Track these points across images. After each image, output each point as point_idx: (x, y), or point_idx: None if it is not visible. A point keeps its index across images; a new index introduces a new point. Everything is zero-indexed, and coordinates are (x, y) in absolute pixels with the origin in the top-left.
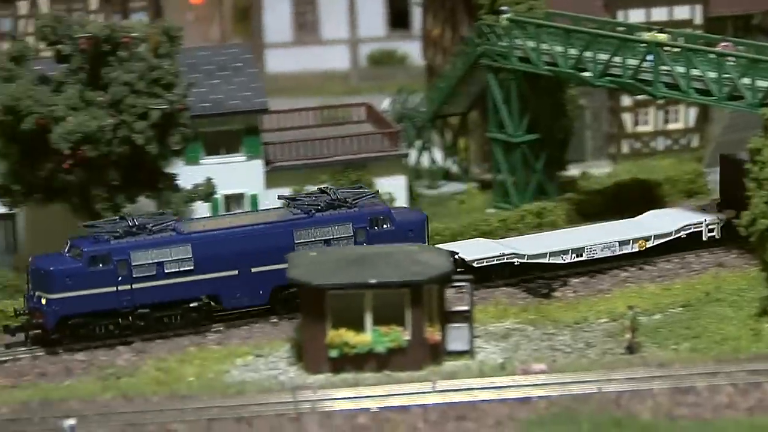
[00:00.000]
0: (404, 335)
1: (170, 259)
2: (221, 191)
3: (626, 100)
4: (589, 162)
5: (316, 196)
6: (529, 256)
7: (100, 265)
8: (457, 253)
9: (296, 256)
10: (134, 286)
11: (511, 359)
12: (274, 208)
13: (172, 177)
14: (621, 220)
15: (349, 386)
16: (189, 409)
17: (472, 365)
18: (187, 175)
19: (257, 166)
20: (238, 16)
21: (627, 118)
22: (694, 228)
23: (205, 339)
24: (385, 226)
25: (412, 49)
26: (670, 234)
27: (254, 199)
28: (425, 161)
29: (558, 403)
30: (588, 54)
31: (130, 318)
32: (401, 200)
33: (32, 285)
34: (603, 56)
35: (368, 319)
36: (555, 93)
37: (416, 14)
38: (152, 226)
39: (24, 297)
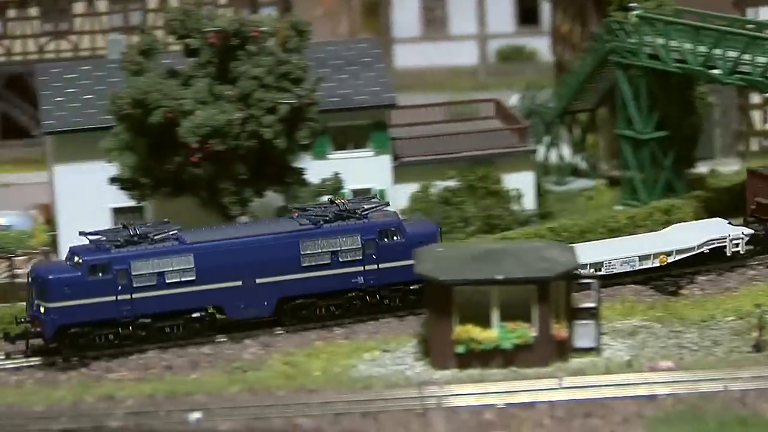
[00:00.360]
0: (531, 332)
1: (172, 269)
2: (348, 186)
3: (756, 98)
4: (717, 159)
5: (326, 207)
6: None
7: (100, 275)
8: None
9: (423, 251)
10: (134, 295)
11: (638, 356)
12: (283, 219)
13: (299, 171)
14: (645, 234)
15: (475, 382)
16: (315, 403)
17: (599, 362)
18: (314, 169)
19: (385, 161)
20: (367, 12)
21: (756, 115)
22: (718, 243)
23: (332, 333)
24: (395, 238)
25: (540, 45)
26: (692, 249)
27: (382, 194)
28: (553, 157)
29: (684, 400)
30: (717, 51)
31: (130, 328)
32: (529, 196)
33: (33, 293)
34: (732, 53)
35: (495, 315)
36: (684, 90)
37: (545, 10)
38: (154, 236)
39: (27, 304)
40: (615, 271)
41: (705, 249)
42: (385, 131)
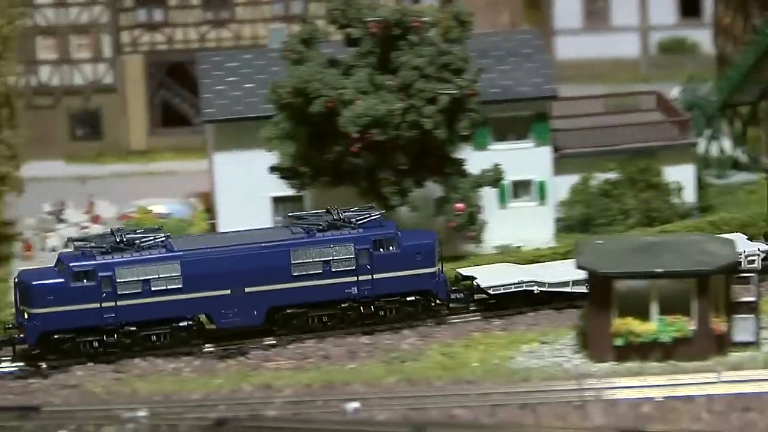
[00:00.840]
0: (690, 325)
1: (157, 276)
2: (509, 177)
3: None
4: None
5: (321, 216)
6: (550, 284)
7: (84, 281)
8: (475, 278)
9: (583, 244)
10: (119, 303)
11: None
12: (276, 227)
13: (460, 162)
14: None
15: (633, 375)
16: (473, 394)
17: (758, 356)
18: (474, 160)
19: (545, 152)
20: (529, 3)
21: None
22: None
23: (490, 325)
24: (390, 248)
25: (702, 38)
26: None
27: (542, 186)
28: (714, 151)
29: None
30: None
31: (115, 335)
32: (689, 189)
33: (19, 299)
34: None
35: (654, 309)
36: None
37: (708, 2)
38: (141, 242)
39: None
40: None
41: None
42: (545, 122)
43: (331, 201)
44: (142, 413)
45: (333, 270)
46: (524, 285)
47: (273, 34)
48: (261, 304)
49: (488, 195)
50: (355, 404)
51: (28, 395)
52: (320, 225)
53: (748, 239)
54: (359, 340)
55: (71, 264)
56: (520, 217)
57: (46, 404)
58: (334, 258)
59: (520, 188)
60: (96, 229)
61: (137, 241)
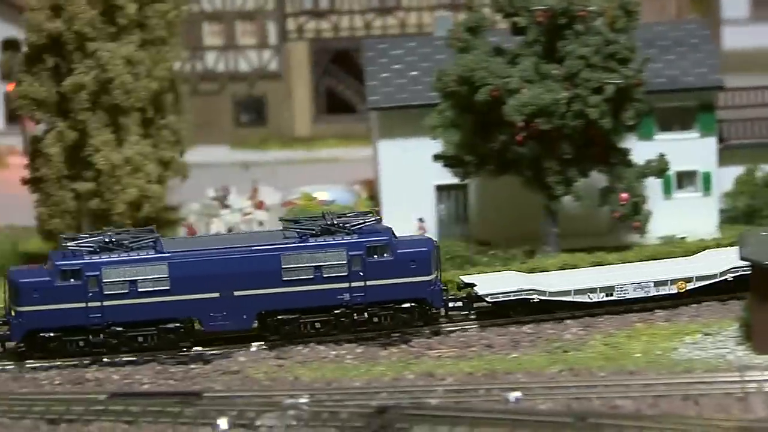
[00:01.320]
0: None
1: (145, 277)
2: (673, 168)
3: None
4: None
5: (316, 220)
6: (551, 293)
7: (71, 280)
8: (475, 285)
9: (747, 236)
10: (105, 303)
11: None
12: (270, 231)
13: (625, 152)
14: (674, 259)
15: None
16: (635, 384)
17: None
18: (639, 150)
19: (710, 143)
20: None
21: None
22: (743, 271)
23: (653, 316)
24: (384, 255)
25: None
26: (714, 276)
27: (706, 176)
28: None
29: None
30: None
31: (101, 336)
32: None
33: (8, 295)
34: None
35: None
36: None
37: None
38: (130, 243)
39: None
40: (627, 296)
41: (728, 277)
42: (711, 113)
43: (495, 189)
44: (303, 400)
45: (324, 276)
46: (523, 294)
47: (438, 21)
48: (250, 308)
49: (653, 185)
50: (517, 393)
51: (189, 381)
52: (313, 230)
53: None
54: (522, 329)
55: (58, 262)
56: (684, 208)
57: (207, 390)
58: (326, 264)
59: (685, 179)
60: (259, 215)
61: (126, 242)
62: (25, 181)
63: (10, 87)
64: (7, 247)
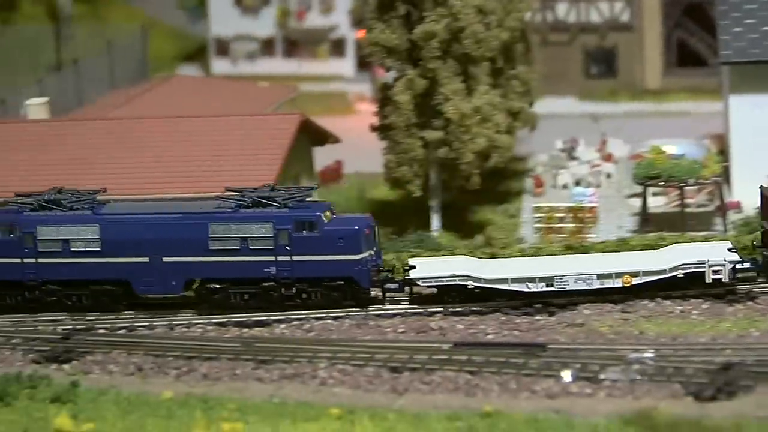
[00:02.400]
0: None
1: (77, 237)
2: None
3: None
4: None
5: (258, 192)
6: (486, 280)
7: (10, 235)
8: (413, 268)
9: None
10: (40, 260)
11: None
12: (208, 200)
13: None
14: (637, 252)
15: None
16: None
17: None
18: None
19: None
20: None
21: None
22: (695, 268)
23: None
24: (312, 231)
25: None
26: (663, 272)
27: None
28: None
29: None
30: None
31: (37, 292)
32: None
33: None
34: None
35: None
36: None
37: None
38: (68, 203)
39: None
40: (568, 288)
41: (679, 273)
42: None
43: None
44: (648, 354)
45: (251, 248)
46: (457, 279)
47: None
48: (178, 274)
49: None
50: None
51: (534, 332)
52: (245, 201)
53: (730, 249)
54: None
55: None
56: None
57: (552, 342)
58: (252, 236)
59: None
60: (607, 167)
61: (64, 201)
62: (373, 128)
63: (361, 34)
64: (354, 194)
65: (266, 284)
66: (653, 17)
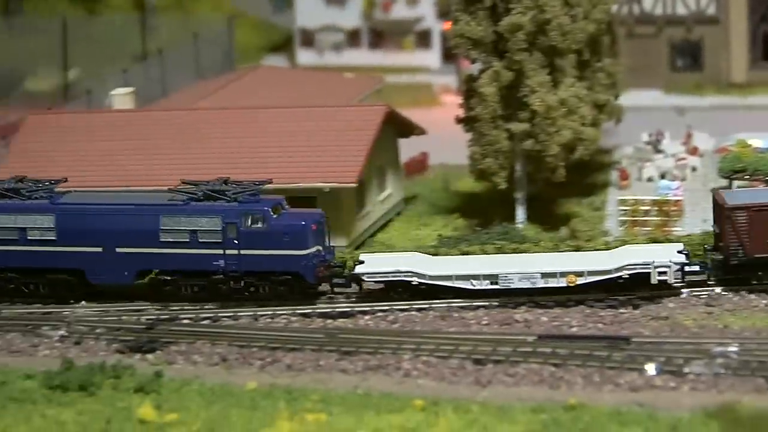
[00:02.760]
0: None
1: (33, 226)
2: None
3: None
4: None
5: (210, 185)
6: (431, 277)
7: None
8: (362, 263)
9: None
10: None
11: None
12: (163, 192)
13: None
14: (590, 252)
15: None
16: None
17: None
18: None
19: None
20: None
21: None
22: (640, 269)
23: None
24: (258, 225)
25: None
26: (608, 272)
27: None
28: None
29: None
30: None
31: None
32: None
33: None
34: None
35: None
36: None
37: None
38: (27, 192)
39: None
40: (512, 286)
41: (623, 274)
42: None
43: None
44: (732, 348)
45: (200, 240)
46: (401, 275)
47: None
48: (131, 265)
49: None
50: None
51: (618, 325)
52: (196, 194)
53: (680, 252)
54: None
55: None
56: None
57: (636, 335)
58: (201, 229)
59: None
60: (693, 161)
61: (23, 190)
62: (458, 120)
63: (447, 25)
64: (438, 185)
65: (215, 277)
66: (739, 11)
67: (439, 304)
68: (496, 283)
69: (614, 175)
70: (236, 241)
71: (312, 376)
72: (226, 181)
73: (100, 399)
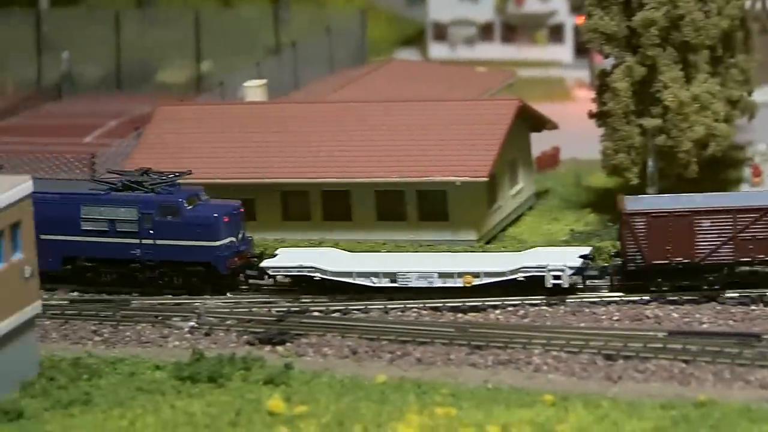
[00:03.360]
0: None
1: None
2: None
3: None
4: None
5: (130, 176)
6: (332, 273)
7: None
8: (275, 256)
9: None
10: None
11: None
12: (88, 180)
13: None
14: (501, 253)
15: None
16: None
17: None
18: None
19: None
20: None
21: None
22: (535, 272)
23: None
24: (173, 216)
25: None
26: (503, 274)
27: None
28: None
29: None
30: None
31: None
32: None
33: None
34: None
35: None
36: None
37: None
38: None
39: None
40: (410, 284)
41: (519, 276)
42: None
43: None
44: None
45: (118, 230)
46: (305, 270)
47: None
48: (55, 252)
49: None
50: None
51: (749, 322)
52: (116, 184)
53: (582, 256)
54: None
55: None
56: None
57: (767, 332)
58: (119, 218)
59: None
60: None
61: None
62: (591, 115)
63: (580, 20)
64: (570, 180)
65: (132, 266)
66: None
67: (571, 299)
68: (395, 281)
69: (747, 172)
70: (151, 231)
71: (442, 370)
72: (146, 172)
73: (230, 390)
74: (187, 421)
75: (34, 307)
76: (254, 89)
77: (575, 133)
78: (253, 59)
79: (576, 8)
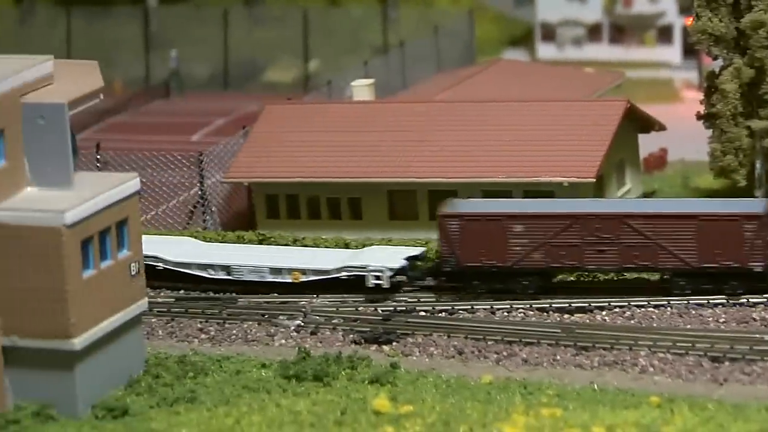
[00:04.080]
0: None
1: None
2: None
3: None
4: None
5: None
6: (172, 263)
7: None
8: None
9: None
10: None
11: None
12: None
13: None
14: (337, 250)
15: None
16: None
17: None
18: None
19: None
20: None
21: None
22: (357, 272)
23: None
24: None
25: None
26: (328, 272)
27: None
28: None
29: None
30: None
31: None
32: None
33: None
34: None
35: None
36: None
37: None
38: None
39: None
40: (243, 278)
41: (343, 274)
42: None
43: None
44: None
45: None
46: (149, 260)
47: None
48: None
49: None
50: None
51: None
52: None
53: (408, 257)
54: None
55: None
56: None
57: None
58: None
59: None
60: None
61: None
62: (699, 117)
63: (689, 21)
64: (678, 181)
65: None
66: None
67: (677, 301)
68: (230, 274)
69: None
70: None
71: (548, 371)
72: None
73: (335, 390)
74: (293, 420)
75: (141, 305)
76: (362, 88)
77: (683, 135)
78: (361, 58)
79: (685, 9)
